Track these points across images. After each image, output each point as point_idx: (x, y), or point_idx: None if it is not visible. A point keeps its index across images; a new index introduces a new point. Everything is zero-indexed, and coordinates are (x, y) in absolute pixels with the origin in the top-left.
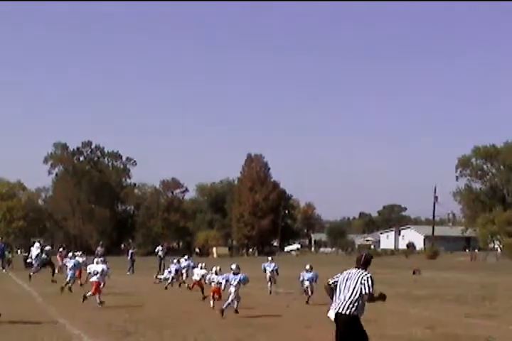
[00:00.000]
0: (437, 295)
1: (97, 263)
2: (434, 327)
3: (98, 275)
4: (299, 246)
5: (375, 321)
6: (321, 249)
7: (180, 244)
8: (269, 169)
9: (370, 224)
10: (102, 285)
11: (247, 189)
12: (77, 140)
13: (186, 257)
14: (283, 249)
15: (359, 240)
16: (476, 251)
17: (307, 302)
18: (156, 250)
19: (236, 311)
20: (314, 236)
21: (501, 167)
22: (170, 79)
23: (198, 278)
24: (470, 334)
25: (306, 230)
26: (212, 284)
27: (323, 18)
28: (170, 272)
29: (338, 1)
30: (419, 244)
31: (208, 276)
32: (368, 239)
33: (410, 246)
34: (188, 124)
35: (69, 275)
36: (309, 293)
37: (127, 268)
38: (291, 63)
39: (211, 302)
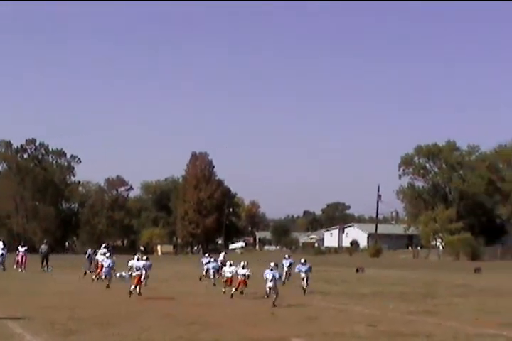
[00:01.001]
0: (380, 293)
1: None
2: (377, 324)
3: None
4: (243, 244)
5: (317, 318)
6: (266, 247)
7: (125, 242)
8: (213, 167)
9: (314, 222)
10: None
11: (192, 187)
12: (21, 137)
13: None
14: (227, 247)
15: (303, 238)
16: (419, 248)
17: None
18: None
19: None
20: (259, 234)
21: (443, 165)
22: (109, 77)
23: (229, 275)
24: (411, 331)
25: (250, 228)
26: (239, 277)
27: None
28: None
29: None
30: (363, 242)
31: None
32: (312, 236)
33: (354, 244)
34: (134, 122)
35: None
36: (305, 285)
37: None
38: (228, 57)
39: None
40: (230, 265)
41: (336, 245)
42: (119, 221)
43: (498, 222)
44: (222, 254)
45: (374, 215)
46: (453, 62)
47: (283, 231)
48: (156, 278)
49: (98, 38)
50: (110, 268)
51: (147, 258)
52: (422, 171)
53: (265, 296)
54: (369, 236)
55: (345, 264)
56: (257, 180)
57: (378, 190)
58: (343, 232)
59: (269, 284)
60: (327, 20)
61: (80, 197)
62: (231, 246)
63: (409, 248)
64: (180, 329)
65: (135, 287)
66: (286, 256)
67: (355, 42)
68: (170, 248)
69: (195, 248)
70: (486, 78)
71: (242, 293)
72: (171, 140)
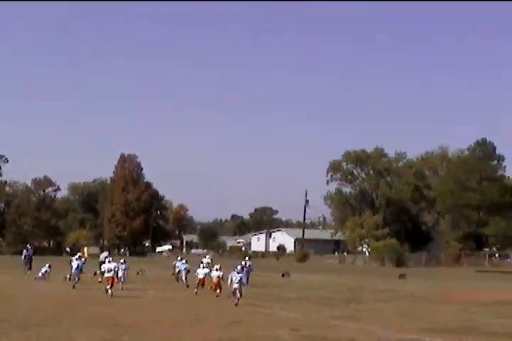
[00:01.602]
0: (305, 298)
1: None
2: (300, 329)
3: None
4: (170, 246)
5: (242, 322)
6: (193, 250)
7: (51, 243)
8: (142, 169)
9: (242, 226)
10: None
11: (120, 189)
12: None
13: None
14: (154, 250)
15: (230, 242)
16: (345, 254)
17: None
18: (25, 253)
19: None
20: (186, 238)
21: (371, 172)
22: (39, 75)
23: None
24: (334, 336)
25: (177, 231)
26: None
27: None
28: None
29: None
30: (290, 247)
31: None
32: (240, 240)
33: (281, 248)
34: (63, 122)
35: None
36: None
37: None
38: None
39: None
40: (203, 267)
41: (263, 249)
42: (46, 222)
43: (424, 228)
44: (207, 257)
45: (301, 220)
46: (382, 68)
47: (210, 235)
48: (83, 280)
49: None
50: (78, 269)
51: (124, 261)
52: (349, 177)
53: (231, 297)
54: (296, 240)
55: (272, 269)
56: (185, 184)
57: (306, 195)
58: (270, 237)
59: (235, 286)
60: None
61: (6, 197)
62: (158, 249)
63: (336, 253)
64: (103, 331)
65: (110, 287)
66: (247, 258)
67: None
68: (96, 250)
69: (122, 250)
70: (413, 87)
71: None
72: (99, 141)
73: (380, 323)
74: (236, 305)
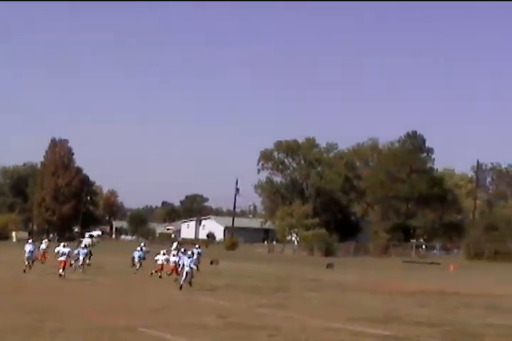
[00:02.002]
0: (233, 285)
1: None
2: (227, 316)
3: None
4: (99, 232)
5: (168, 309)
6: (122, 236)
7: None
8: (72, 154)
9: (172, 214)
10: None
11: (50, 173)
12: None
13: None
14: (84, 235)
15: (160, 228)
16: (274, 243)
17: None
18: None
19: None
20: (116, 224)
21: (302, 161)
22: None
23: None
24: (260, 324)
25: (107, 217)
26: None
27: None
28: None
29: None
30: (220, 235)
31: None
32: (169, 227)
33: (210, 236)
34: None
35: None
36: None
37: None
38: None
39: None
40: (163, 254)
41: (193, 237)
42: None
43: (353, 219)
44: (174, 244)
45: (232, 208)
46: (315, 57)
47: (140, 221)
48: (9, 266)
49: None
50: (32, 253)
51: (85, 246)
52: (280, 166)
53: (180, 279)
54: (226, 229)
55: (201, 256)
56: (116, 170)
57: (237, 184)
58: (200, 224)
59: (187, 269)
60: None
61: None
62: (87, 234)
63: (265, 242)
64: (26, 317)
65: (63, 270)
66: (197, 246)
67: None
68: (25, 234)
69: (51, 235)
70: (346, 77)
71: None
72: (31, 125)
73: (307, 312)
74: (190, 284)
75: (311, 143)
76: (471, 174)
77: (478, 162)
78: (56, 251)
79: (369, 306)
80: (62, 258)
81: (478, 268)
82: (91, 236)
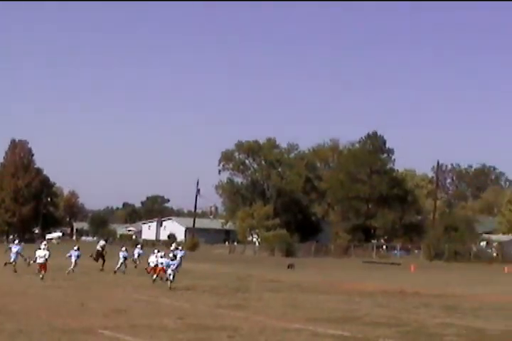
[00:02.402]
0: (193, 286)
1: None
2: (186, 318)
3: None
4: (60, 234)
5: (127, 310)
6: (83, 238)
7: None
8: (32, 155)
9: (133, 214)
10: None
11: (10, 174)
12: None
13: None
14: (44, 237)
15: (121, 230)
16: (235, 244)
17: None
18: None
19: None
20: (76, 225)
21: (263, 162)
22: None
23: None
24: (219, 325)
25: (68, 218)
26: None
27: None
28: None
29: None
30: (181, 236)
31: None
32: (130, 228)
33: (171, 237)
34: None
35: None
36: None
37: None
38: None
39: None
40: (156, 256)
41: (154, 238)
42: None
43: (314, 219)
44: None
45: (193, 209)
46: (273, 57)
47: (101, 222)
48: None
49: None
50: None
51: (78, 248)
52: (241, 167)
53: (166, 280)
54: (187, 229)
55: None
56: (77, 171)
57: (197, 185)
58: (161, 225)
59: (169, 271)
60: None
61: None
62: (48, 236)
63: (226, 243)
64: None
65: (40, 272)
66: (180, 248)
67: None
68: None
69: (11, 237)
70: (306, 78)
71: (161, 279)
72: None
73: (266, 313)
74: (170, 288)
75: (271, 143)
76: (431, 175)
77: (438, 162)
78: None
79: (329, 307)
80: (41, 261)
81: (438, 268)
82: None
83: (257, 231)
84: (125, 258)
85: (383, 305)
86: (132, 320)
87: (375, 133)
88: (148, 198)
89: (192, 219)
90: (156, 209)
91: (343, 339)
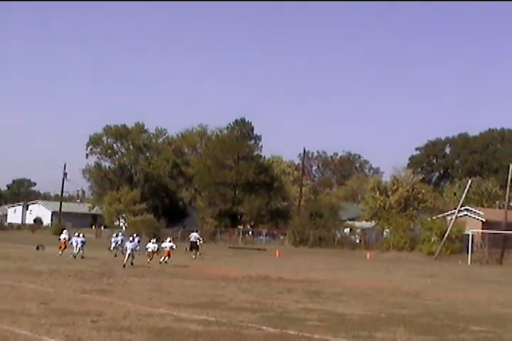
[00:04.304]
0: (57, 271)
1: None
2: (49, 303)
3: None
4: None
5: None
6: None
7: None
8: None
9: None
10: None
11: None
12: None
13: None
14: None
15: None
16: (103, 228)
17: None
18: None
19: None
20: None
21: (131, 147)
22: None
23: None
24: (83, 310)
25: None
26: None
27: None
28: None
29: None
30: (47, 220)
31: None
32: None
33: (37, 221)
34: None
35: None
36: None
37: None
38: None
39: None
40: (154, 242)
41: (20, 221)
42: None
43: (181, 204)
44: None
45: (60, 193)
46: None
47: None
48: None
49: None
50: None
51: (80, 235)
52: (109, 151)
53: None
54: (53, 213)
55: (27, 241)
56: None
57: (65, 168)
58: (27, 209)
59: (128, 251)
60: None
61: None
62: None
63: (93, 227)
64: None
65: None
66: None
67: None
68: None
69: None
70: (182, 62)
71: (166, 262)
72: None
73: (130, 297)
74: (132, 263)
75: (140, 128)
76: (298, 161)
77: (304, 150)
78: None
79: (194, 292)
80: None
81: (303, 253)
82: None
83: (124, 215)
84: None
85: (248, 290)
86: None
87: (243, 120)
88: (14, 181)
89: (59, 203)
90: (22, 192)
91: (207, 324)
